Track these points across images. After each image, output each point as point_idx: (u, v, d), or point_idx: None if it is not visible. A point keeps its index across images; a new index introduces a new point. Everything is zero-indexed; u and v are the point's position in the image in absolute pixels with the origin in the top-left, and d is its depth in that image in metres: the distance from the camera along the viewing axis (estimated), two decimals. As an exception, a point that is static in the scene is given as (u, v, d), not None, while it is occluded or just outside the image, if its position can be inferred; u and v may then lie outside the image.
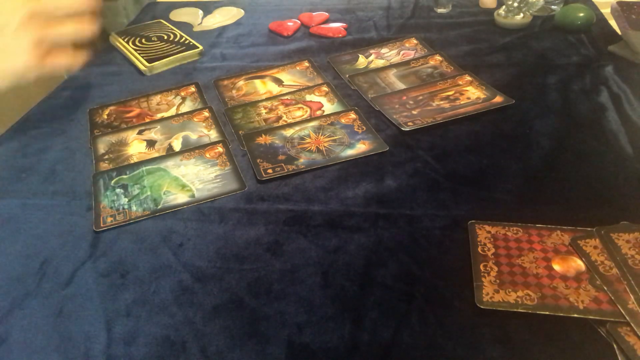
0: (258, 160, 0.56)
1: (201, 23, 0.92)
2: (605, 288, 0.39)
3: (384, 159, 0.56)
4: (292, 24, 0.87)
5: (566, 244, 0.43)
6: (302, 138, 0.60)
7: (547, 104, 0.63)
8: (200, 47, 0.81)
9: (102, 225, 0.50)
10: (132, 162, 0.58)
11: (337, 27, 0.85)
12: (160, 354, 0.38)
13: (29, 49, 0.50)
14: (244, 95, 0.70)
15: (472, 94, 0.65)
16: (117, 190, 0.54)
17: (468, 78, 0.68)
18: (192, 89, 0.72)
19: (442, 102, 0.64)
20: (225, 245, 0.47)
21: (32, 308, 0.42)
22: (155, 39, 0.84)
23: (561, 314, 0.37)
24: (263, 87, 0.71)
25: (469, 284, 0.41)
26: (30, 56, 0.51)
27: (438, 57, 0.74)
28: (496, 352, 0.36)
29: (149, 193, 0.53)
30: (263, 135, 0.61)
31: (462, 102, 0.63)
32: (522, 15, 0.80)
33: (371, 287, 0.42)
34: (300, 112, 0.65)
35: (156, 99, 0.70)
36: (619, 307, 0.37)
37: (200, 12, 0.95)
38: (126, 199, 0.53)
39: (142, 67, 0.77)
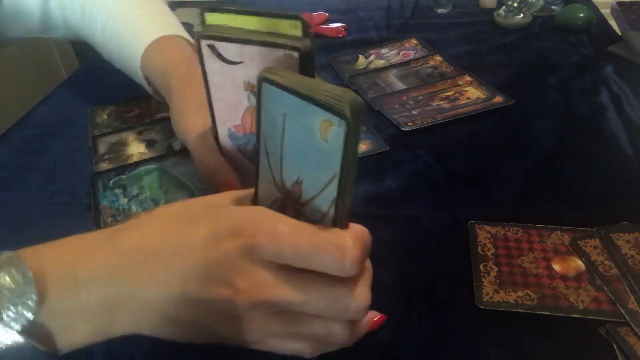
0: (258, 160, 0.56)
1: (201, 23, 0.92)
2: (605, 288, 0.39)
3: (384, 159, 0.56)
4: (292, 24, 0.87)
5: (566, 244, 0.43)
6: (302, 138, 0.59)
7: (547, 104, 0.63)
8: None
9: (102, 225, 0.50)
10: (131, 162, 0.58)
11: (337, 27, 0.85)
12: (160, 353, 0.38)
13: None
14: (244, 95, 0.70)
15: (472, 94, 0.65)
16: (117, 190, 0.54)
17: (468, 78, 0.68)
18: (192, 89, 0.72)
19: (442, 102, 0.64)
20: (225, 245, 0.47)
21: (32, 308, 0.42)
22: None
23: (561, 314, 0.37)
24: (263, 87, 0.71)
25: (469, 284, 0.40)
26: None
27: (438, 57, 0.74)
28: (496, 352, 0.36)
29: (148, 193, 0.53)
30: (263, 135, 0.60)
31: (462, 102, 0.63)
32: (522, 15, 0.80)
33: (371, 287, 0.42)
34: (300, 112, 0.64)
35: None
36: (619, 307, 0.37)
37: (201, 12, 0.95)
38: (126, 199, 0.53)
39: None
